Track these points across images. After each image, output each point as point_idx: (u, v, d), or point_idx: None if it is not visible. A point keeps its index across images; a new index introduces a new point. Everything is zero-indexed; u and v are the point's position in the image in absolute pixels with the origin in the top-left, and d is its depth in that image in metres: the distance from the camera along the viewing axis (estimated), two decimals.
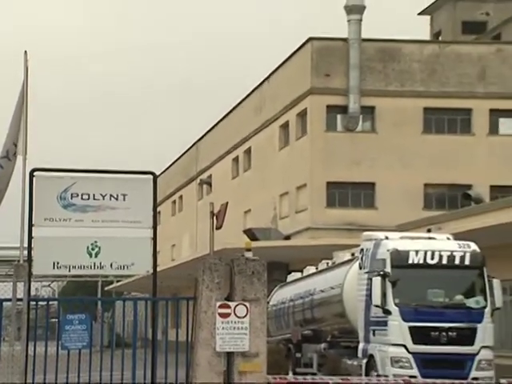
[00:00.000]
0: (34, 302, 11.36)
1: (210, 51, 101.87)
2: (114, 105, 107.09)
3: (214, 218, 22.56)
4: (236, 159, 39.09)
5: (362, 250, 15.81)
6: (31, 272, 10.77)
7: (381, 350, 14.64)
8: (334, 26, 51.79)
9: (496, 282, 14.85)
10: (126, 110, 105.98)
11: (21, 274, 10.41)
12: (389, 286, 14.51)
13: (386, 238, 15.49)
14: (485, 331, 14.55)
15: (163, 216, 50.38)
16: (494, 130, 31.67)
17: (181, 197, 49.68)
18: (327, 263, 18.70)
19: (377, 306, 14.57)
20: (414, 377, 14.07)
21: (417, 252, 14.84)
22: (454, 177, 30.72)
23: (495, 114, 31.58)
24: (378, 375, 14.50)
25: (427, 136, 31.30)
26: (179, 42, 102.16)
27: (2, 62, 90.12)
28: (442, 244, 15.31)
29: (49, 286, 54.98)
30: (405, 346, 14.34)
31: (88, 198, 10.97)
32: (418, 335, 14.33)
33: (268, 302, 16.96)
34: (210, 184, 42.24)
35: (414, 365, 14.26)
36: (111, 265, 10.98)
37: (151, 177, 11.30)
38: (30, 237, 10.89)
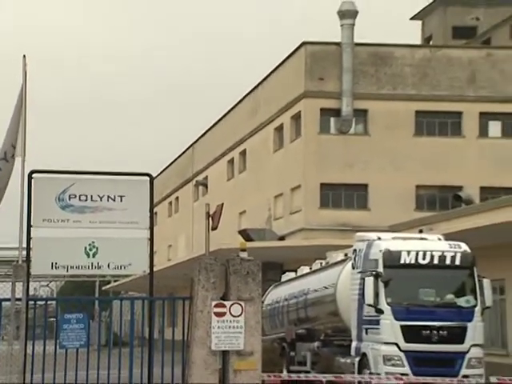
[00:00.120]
0: (33, 302, 11.31)
1: (206, 55, 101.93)
2: (112, 106, 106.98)
3: (210, 218, 22.53)
4: (231, 161, 39.09)
5: (355, 250, 15.82)
6: (30, 272, 10.75)
7: (373, 349, 14.65)
8: (327, 31, 51.95)
9: (486, 282, 14.88)
10: (124, 111, 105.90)
11: (19, 274, 10.39)
12: (381, 285, 14.53)
13: (379, 238, 15.50)
14: (475, 330, 14.57)
15: (160, 217, 50.33)
16: (483, 132, 31.74)
17: (177, 198, 49.64)
18: (321, 263, 18.71)
19: (369, 305, 14.58)
20: (406, 374, 14.10)
21: (408, 252, 14.86)
22: (444, 178, 30.78)
23: (485, 117, 31.67)
24: (371, 373, 14.51)
25: (419, 138, 31.36)
26: (178, 45, 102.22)
27: (1, 62, 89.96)
28: (433, 244, 15.33)
29: (47, 285, 54.87)
30: (397, 345, 14.34)
31: (86, 200, 10.96)
32: (410, 334, 14.34)
33: (263, 302, 16.95)
34: (205, 185, 42.24)
35: (405, 363, 14.26)
36: (108, 265, 10.97)
37: (148, 178, 11.29)
38: (29, 237, 10.87)
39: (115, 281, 44.33)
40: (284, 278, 21.14)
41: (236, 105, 38.65)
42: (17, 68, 10.98)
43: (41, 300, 14.10)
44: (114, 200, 10.98)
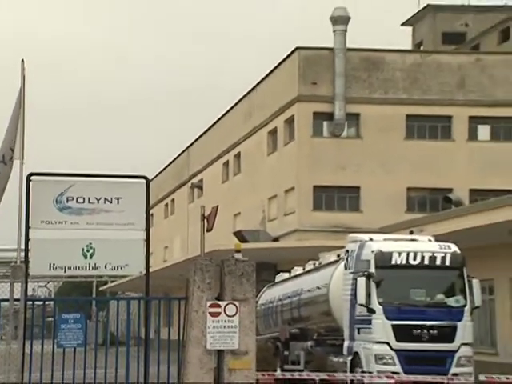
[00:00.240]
0: (31, 302, 11.28)
1: (201, 60, 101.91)
2: (109, 110, 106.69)
3: (205, 220, 22.52)
4: (226, 164, 39.08)
5: (348, 251, 15.83)
6: (28, 273, 10.72)
7: (365, 348, 14.65)
8: (320, 36, 52.00)
9: (475, 282, 14.91)
10: (121, 115, 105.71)
11: (18, 275, 10.37)
12: (373, 285, 14.54)
13: (371, 239, 15.51)
14: (464, 329, 14.60)
15: (156, 218, 50.27)
16: (473, 136, 31.83)
17: (173, 200, 49.60)
18: (314, 264, 18.71)
19: (361, 305, 14.59)
20: (397, 373, 14.10)
21: (400, 253, 14.88)
22: (435, 181, 30.84)
23: (474, 121, 31.76)
24: (363, 372, 14.51)
25: (410, 142, 31.42)
26: (174, 51, 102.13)
27: (1, 66, 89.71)
28: (423, 245, 15.35)
29: (45, 286, 54.70)
30: (388, 344, 14.35)
31: (83, 202, 10.94)
32: (401, 333, 14.35)
33: (257, 302, 16.94)
34: (201, 188, 42.21)
35: (397, 361, 14.27)
36: (105, 266, 10.95)
37: (144, 181, 11.28)
38: (27, 239, 10.85)
39: (112, 281, 44.16)
40: (278, 278, 21.13)
41: (231, 108, 38.65)
42: (16, 72, 10.97)
43: (39, 300, 14.05)
44: (111, 202, 10.96)
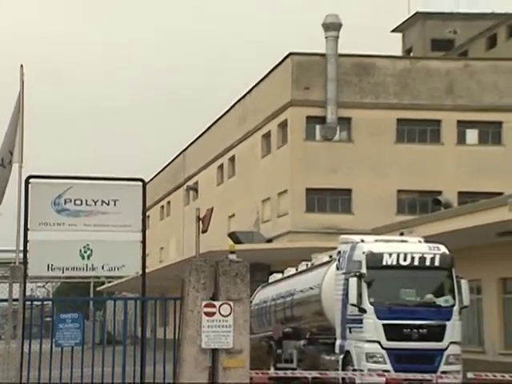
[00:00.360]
0: (30, 302, 11.27)
1: (196, 65, 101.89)
2: (108, 113, 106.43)
3: (200, 222, 22.52)
4: (221, 167, 39.08)
5: (339, 252, 15.85)
6: (27, 273, 10.69)
7: (356, 346, 14.67)
8: (312, 42, 52.07)
9: (464, 282, 14.95)
10: (120, 118, 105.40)
11: (17, 276, 10.34)
12: (364, 286, 14.56)
13: (362, 241, 15.54)
14: (453, 328, 14.63)
15: (152, 220, 50.19)
16: (461, 140, 31.93)
17: (169, 202, 49.55)
18: (306, 265, 18.72)
19: (353, 305, 14.60)
20: (388, 371, 14.13)
21: (390, 254, 14.90)
22: (424, 184, 30.91)
23: (463, 125, 31.86)
24: (354, 370, 14.53)
25: (400, 145, 31.49)
26: (171, 54, 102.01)
27: (1, 70, 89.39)
28: (413, 246, 15.38)
29: (43, 286, 54.58)
30: (379, 343, 14.37)
31: (81, 204, 10.92)
32: (392, 332, 14.37)
33: (251, 302, 16.90)
34: (196, 190, 42.18)
35: (387, 360, 14.29)
36: (103, 266, 10.93)
37: (140, 183, 11.27)
38: (26, 240, 10.82)
39: (109, 282, 44.16)
40: (271, 278, 21.13)
41: (225, 113, 38.66)
42: (15, 75, 10.95)
43: (37, 300, 14.03)
44: (108, 204, 10.95)
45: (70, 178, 11.22)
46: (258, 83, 34.49)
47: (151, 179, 50.21)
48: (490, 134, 32.02)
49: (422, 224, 22.70)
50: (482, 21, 42.57)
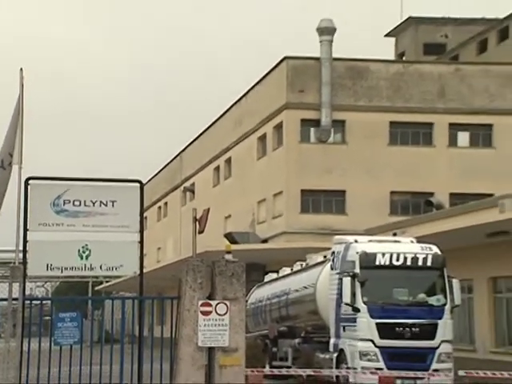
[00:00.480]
0: (29, 302, 11.23)
1: (191, 70, 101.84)
2: (108, 115, 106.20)
3: (197, 222, 22.48)
4: (217, 168, 39.07)
5: (334, 252, 15.86)
6: (26, 273, 10.67)
7: (350, 345, 14.68)
8: (307, 47, 52.11)
9: (455, 282, 14.98)
10: (119, 119, 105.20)
11: (16, 275, 10.32)
12: (358, 285, 14.57)
13: (356, 241, 15.56)
14: (445, 327, 14.66)
15: (149, 221, 50.15)
16: (453, 142, 32.00)
17: (166, 203, 49.51)
18: (301, 265, 18.73)
19: (347, 304, 14.62)
20: (381, 369, 14.15)
21: (383, 254, 14.92)
22: (417, 185, 30.96)
23: (454, 128, 31.93)
24: (348, 368, 14.54)
25: (393, 148, 31.53)
26: (168, 58, 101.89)
27: (1, 72, 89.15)
28: (406, 247, 15.41)
29: (42, 286, 54.45)
30: (372, 341, 14.39)
31: (79, 205, 10.90)
32: (385, 331, 14.39)
33: (246, 301, 16.92)
34: (193, 191, 42.16)
35: (380, 358, 14.31)
36: (101, 266, 10.90)
37: (138, 185, 11.25)
38: (25, 240, 10.79)
39: (107, 281, 44.07)
40: (267, 278, 21.14)
41: (222, 115, 38.67)
42: (15, 76, 10.92)
43: (36, 300, 13.99)
44: (106, 205, 10.93)
45: (68, 180, 11.19)
46: (253, 86, 34.51)
47: (149, 180, 50.16)
48: (481, 136, 32.09)
49: (414, 225, 22.73)
50: (472, 26, 42.70)
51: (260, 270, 26.70)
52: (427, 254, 15.05)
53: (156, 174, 51.85)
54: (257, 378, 13.29)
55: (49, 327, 10.70)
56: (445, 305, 14.76)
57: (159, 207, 50.84)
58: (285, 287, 18.85)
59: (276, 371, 15.16)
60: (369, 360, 14.30)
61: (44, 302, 11.72)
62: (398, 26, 46.34)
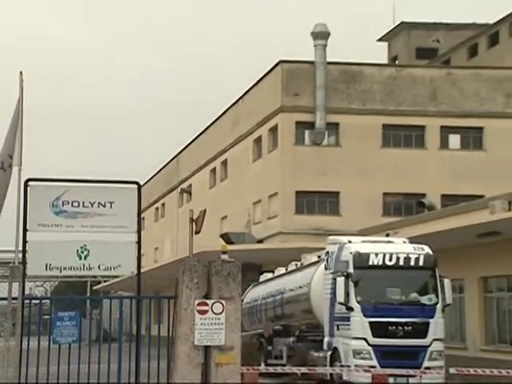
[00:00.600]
0: (28, 301, 11.21)
1: (191, 70, 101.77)
2: (107, 115, 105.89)
3: (193, 223, 22.44)
4: (214, 170, 39.06)
5: (328, 252, 15.87)
6: (25, 273, 10.65)
7: (344, 343, 14.69)
8: (301, 51, 52.12)
9: (447, 282, 15.00)
10: (118, 120, 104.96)
11: (16, 275, 10.30)
12: (351, 285, 14.59)
13: (349, 241, 15.57)
14: (436, 325, 14.68)
15: (147, 222, 50.09)
16: (444, 144, 32.07)
17: (163, 204, 49.46)
18: (296, 264, 18.74)
19: (340, 303, 14.63)
20: (374, 367, 14.16)
21: (376, 254, 14.94)
22: (409, 187, 31.00)
23: (445, 131, 32.00)
24: (342, 366, 14.55)
25: (386, 150, 31.58)
26: (167, 61, 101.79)
27: (2, 74, 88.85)
28: (398, 247, 15.43)
29: (42, 285, 54.35)
30: (365, 340, 14.40)
31: (78, 206, 10.89)
32: (378, 329, 14.40)
33: (242, 300, 16.93)
34: (189, 193, 42.14)
35: (373, 356, 14.33)
36: (99, 266, 10.90)
37: (136, 186, 11.25)
38: (25, 241, 10.78)
39: (105, 281, 44.02)
40: (262, 278, 21.14)
41: (218, 118, 38.67)
42: (15, 77, 10.89)
43: (36, 299, 13.96)
44: (105, 206, 10.92)
45: (67, 181, 11.18)
46: (249, 89, 34.53)
47: (146, 182, 50.14)
48: (472, 139, 32.17)
49: (406, 225, 22.76)
50: (463, 31, 42.83)
51: (255, 270, 26.69)
52: (419, 254, 15.07)
53: (153, 176, 51.81)
54: (252, 376, 13.29)
55: (48, 326, 10.68)
56: (436, 304, 14.79)
57: (156, 208, 50.79)
58: (280, 287, 18.85)
59: (271, 369, 15.15)
60: (362, 358, 14.31)
61: (43, 301, 11.69)
62: (390, 31, 46.43)
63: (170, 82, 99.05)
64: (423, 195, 30.34)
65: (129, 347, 10.60)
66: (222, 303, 9.96)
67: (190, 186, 42.39)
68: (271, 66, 32.23)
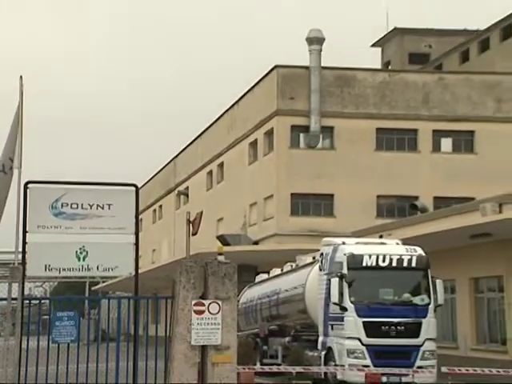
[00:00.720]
0: (28, 301, 11.18)
1: (181, 79, 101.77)
2: (106, 115, 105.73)
3: (190, 225, 22.50)
4: (210, 173, 39.07)
5: (322, 253, 15.89)
6: (25, 274, 10.63)
7: (338, 343, 14.70)
8: (297, 56, 52.23)
9: (439, 282, 15.03)
10: (118, 121, 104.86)
11: (16, 276, 10.28)
12: (345, 285, 14.60)
13: (343, 243, 15.59)
14: (429, 325, 14.70)
15: (145, 223, 50.05)
16: (436, 148, 32.16)
17: (160, 206, 49.43)
18: (291, 265, 18.74)
19: (335, 304, 14.64)
20: (367, 366, 14.17)
21: (370, 256, 14.96)
22: (402, 189, 31.06)
23: (437, 134, 32.09)
24: (336, 365, 14.56)
25: (379, 153, 31.65)
26: (165, 65, 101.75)
27: (2, 75, 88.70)
28: (392, 248, 15.45)
29: (41, 286, 54.26)
30: (359, 339, 14.41)
31: (77, 207, 10.88)
32: (371, 329, 14.42)
33: (238, 301, 16.91)
34: (186, 195, 42.12)
35: (367, 355, 14.34)
36: (97, 267, 10.88)
37: (134, 188, 11.24)
38: (24, 242, 10.76)
39: (103, 282, 43.94)
40: (258, 279, 21.14)
41: (215, 122, 38.69)
42: (15, 81, 10.89)
43: (35, 299, 13.94)
44: (103, 208, 10.91)
45: (66, 183, 11.18)
46: (245, 93, 34.57)
47: (144, 184, 50.10)
48: (463, 142, 32.27)
49: (399, 227, 22.80)
50: (455, 37, 42.96)
51: (251, 271, 26.67)
52: (412, 256, 15.09)
53: (151, 178, 51.78)
54: (248, 375, 13.29)
55: (47, 326, 10.66)
56: (429, 304, 14.81)
57: (154, 210, 50.75)
58: (275, 287, 18.85)
59: (267, 368, 15.15)
60: (356, 357, 14.32)
61: (42, 301, 11.68)
62: (383, 37, 46.54)
63: (167, 86, 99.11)
64: (416, 197, 30.39)
65: (126, 347, 10.59)
66: (218, 303, 9.95)
67: (187, 188, 42.37)
68: (267, 70, 32.29)
